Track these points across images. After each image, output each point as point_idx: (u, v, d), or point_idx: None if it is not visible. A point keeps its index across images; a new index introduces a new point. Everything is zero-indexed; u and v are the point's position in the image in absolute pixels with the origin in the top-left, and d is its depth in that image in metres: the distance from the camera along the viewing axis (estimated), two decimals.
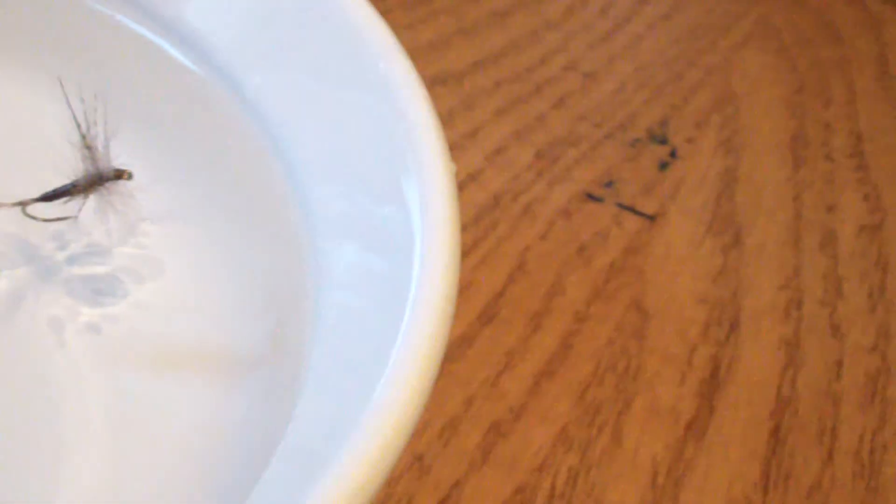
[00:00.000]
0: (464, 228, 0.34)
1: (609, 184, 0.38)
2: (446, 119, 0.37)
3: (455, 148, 0.37)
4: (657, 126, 0.41)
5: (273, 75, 0.27)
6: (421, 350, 0.19)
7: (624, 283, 0.34)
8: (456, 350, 0.31)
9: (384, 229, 0.23)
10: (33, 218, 0.25)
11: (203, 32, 0.28)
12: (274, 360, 0.24)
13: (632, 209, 0.37)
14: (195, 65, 0.28)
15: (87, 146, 0.24)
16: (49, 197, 0.25)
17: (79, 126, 0.24)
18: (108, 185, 0.25)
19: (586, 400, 0.31)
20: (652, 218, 0.37)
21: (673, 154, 0.40)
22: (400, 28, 0.41)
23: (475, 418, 0.30)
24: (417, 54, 0.39)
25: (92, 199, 0.25)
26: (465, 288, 0.33)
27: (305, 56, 0.26)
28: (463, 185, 0.36)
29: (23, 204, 0.25)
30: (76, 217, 0.25)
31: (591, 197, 0.37)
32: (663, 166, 0.39)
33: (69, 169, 0.24)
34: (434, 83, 0.40)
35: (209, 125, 0.28)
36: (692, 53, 0.45)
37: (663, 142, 0.40)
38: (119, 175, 0.25)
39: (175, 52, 0.28)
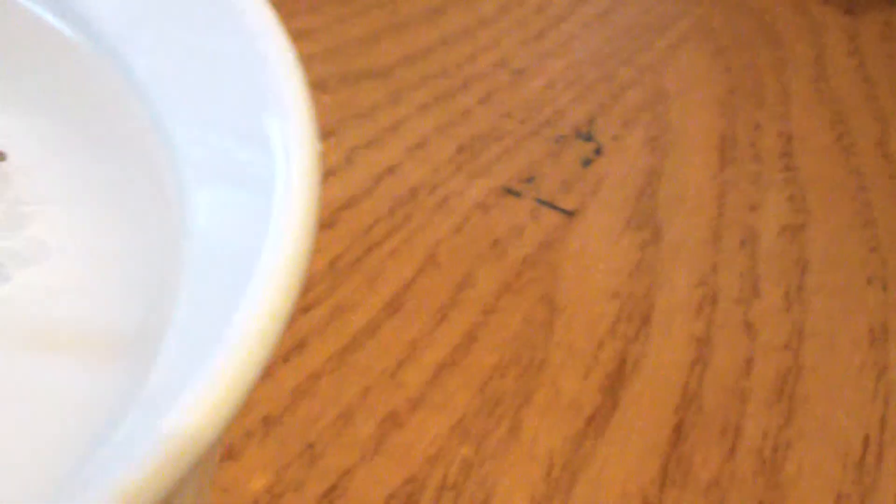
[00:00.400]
0: (377, 221, 0.34)
1: (530, 179, 0.38)
2: (369, 113, 0.37)
3: (376, 141, 0.37)
4: (584, 123, 0.41)
5: (145, 39, 0.27)
6: (270, 286, 0.19)
7: (535, 278, 0.34)
8: (358, 340, 0.31)
9: (248, 173, 0.23)
10: None
11: None
12: (151, 338, 0.24)
13: (550, 204, 0.37)
14: (56, 20, 0.27)
15: None
16: None
17: None
18: None
19: (487, 392, 0.31)
20: (570, 213, 0.37)
21: (598, 151, 0.40)
22: (331, 21, 0.41)
23: (371, 408, 0.30)
24: (347, 48, 0.40)
25: None
26: (373, 278, 0.33)
27: (172, 13, 0.26)
28: (380, 177, 0.36)
29: None
30: None
31: (509, 191, 0.37)
32: (587, 163, 0.39)
33: None
34: (361, 77, 0.40)
35: (77, 88, 0.28)
36: (626, 52, 0.45)
37: (589, 139, 0.40)
38: None
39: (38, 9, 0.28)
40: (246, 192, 0.22)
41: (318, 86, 0.39)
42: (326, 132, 0.37)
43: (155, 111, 0.26)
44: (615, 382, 0.32)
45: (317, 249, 0.32)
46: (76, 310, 0.26)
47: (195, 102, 0.25)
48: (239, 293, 0.20)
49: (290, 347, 0.30)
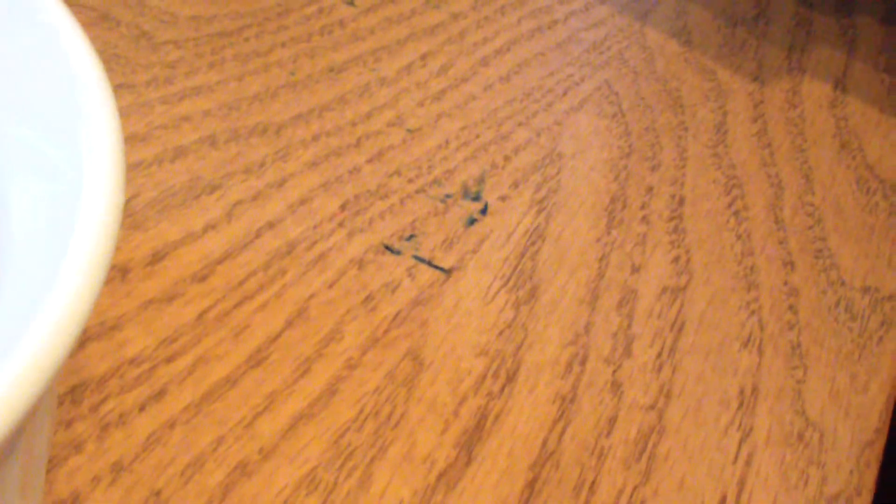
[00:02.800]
0: (251, 274, 0.34)
1: (410, 237, 0.38)
2: (256, 169, 0.38)
3: (259, 197, 0.38)
4: (473, 183, 0.42)
5: None
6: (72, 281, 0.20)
7: (404, 333, 0.35)
8: (217, 391, 0.31)
9: (57, 171, 0.23)
10: None
11: None
12: None
13: (429, 262, 0.38)
14: None
15: None
16: None
17: None
18: None
19: (341, 444, 0.31)
20: (447, 272, 0.38)
21: (483, 211, 0.40)
22: (230, 78, 0.41)
23: (222, 457, 0.30)
24: (241, 105, 0.40)
25: None
26: (239, 331, 0.33)
27: None
28: (260, 232, 0.37)
29: None
30: None
31: (388, 249, 0.38)
32: (471, 222, 0.40)
33: None
34: (251, 134, 0.41)
35: None
36: (524, 114, 0.46)
37: (476, 198, 0.41)
38: None
39: None
40: (53, 191, 0.23)
41: (208, 141, 0.40)
42: (211, 187, 0.38)
43: None
44: (472, 438, 0.32)
45: (186, 301, 0.33)
46: None
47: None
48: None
49: (148, 396, 0.31)
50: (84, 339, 0.32)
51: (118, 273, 0.34)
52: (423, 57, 0.48)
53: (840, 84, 0.57)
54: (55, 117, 0.24)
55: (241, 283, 0.35)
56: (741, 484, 0.34)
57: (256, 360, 0.33)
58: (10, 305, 0.22)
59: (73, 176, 0.22)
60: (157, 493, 0.29)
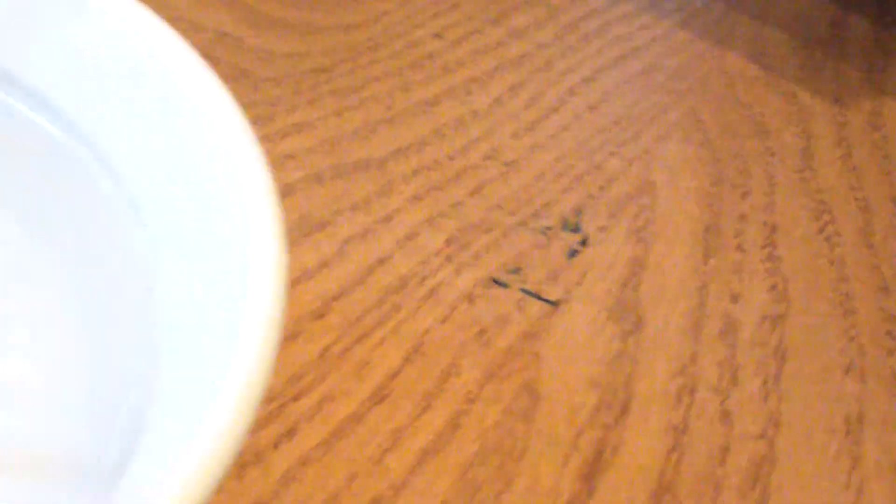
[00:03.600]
0: (367, 311, 0.35)
1: (516, 270, 0.39)
2: (362, 205, 0.39)
3: (368, 233, 0.39)
4: (571, 214, 0.42)
5: (126, 141, 0.28)
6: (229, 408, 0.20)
7: (519, 367, 0.36)
8: (344, 428, 0.32)
9: (219, 284, 0.24)
10: None
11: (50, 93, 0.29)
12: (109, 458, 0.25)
13: (536, 295, 0.38)
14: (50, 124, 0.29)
15: None
16: None
17: None
18: None
19: (468, 478, 0.32)
20: (555, 304, 0.38)
21: (584, 242, 0.41)
22: (329, 114, 0.42)
23: (356, 494, 0.31)
24: (342, 141, 0.41)
25: None
26: (360, 367, 0.34)
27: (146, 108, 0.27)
28: (372, 268, 0.38)
29: None
30: None
31: (496, 282, 0.38)
32: (573, 254, 0.41)
33: None
34: (355, 170, 0.42)
35: (63, 190, 0.29)
36: (614, 144, 0.47)
37: (576, 230, 0.42)
38: None
39: (51, 128, 0.29)
40: (216, 308, 0.23)
41: (314, 178, 0.41)
42: (321, 223, 0.39)
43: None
44: (593, 469, 0.33)
45: (308, 338, 0.34)
46: (31, 433, 0.26)
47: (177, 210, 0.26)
48: (202, 410, 0.21)
49: (280, 433, 0.32)
50: None
51: None
52: (513, 88, 0.49)
53: None
54: (220, 229, 0.24)
55: (358, 320, 0.36)
56: None
57: (379, 396, 0.34)
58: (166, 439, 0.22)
59: (235, 296, 0.22)
60: None
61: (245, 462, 0.31)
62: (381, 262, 0.38)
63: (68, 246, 0.28)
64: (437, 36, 0.52)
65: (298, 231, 0.38)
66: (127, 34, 0.28)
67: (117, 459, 0.25)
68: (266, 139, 0.42)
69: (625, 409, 0.35)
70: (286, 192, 0.40)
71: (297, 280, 0.37)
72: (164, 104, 0.27)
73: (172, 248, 0.25)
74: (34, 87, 0.29)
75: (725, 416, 0.36)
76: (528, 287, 0.39)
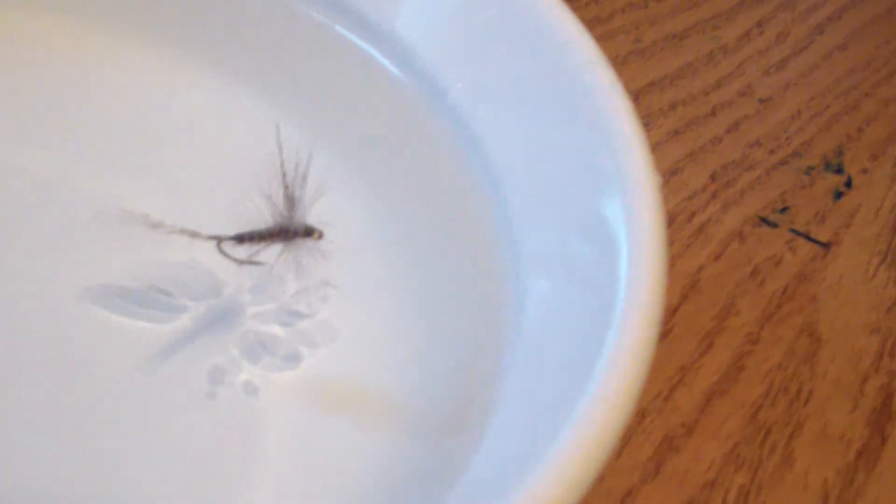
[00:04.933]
0: None
1: (783, 209, 0.38)
2: None
3: None
4: (832, 155, 0.41)
5: (485, 101, 0.27)
6: (611, 400, 0.19)
7: (796, 309, 0.34)
8: None
9: (587, 268, 0.22)
10: (227, 256, 0.26)
11: (419, 50, 0.28)
12: (460, 423, 0.24)
13: (806, 236, 0.37)
14: (407, 78, 0.28)
15: (289, 196, 0.24)
16: (243, 238, 0.25)
17: (284, 174, 0.24)
18: (299, 240, 0.25)
19: (757, 420, 0.31)
20: (826, 246, 0.37)
21: (848, 184, 0.40)
22: None
23: (648, 432, 0.30)
24: None
25: (288, 253, 0.25)
26: None
27: (515, 78, 0.27)
28: None
29: (218, 239, 0.25)
30: (270, 266, 0.25)
31: (764, 221, 0.37)
32: (838, 196, 0.39)
33: (267, 213, 0.25)
34: None
35: (422, 154, 0.28)
36: (868, 84, 0.45)
37: (839, 171, 0.40)
38: (309, 233, 0.25)
39: (396, 71, 0.28)
40: (585, 290, 0.22)
41: None
42: None
43: (501, 202, 0.26)
44: (882, 418, 0.32)
45: None
46: (377, 384, 0.26)
47: (542, 192, 0.25)
48: (575, 397, 0.19)
49: None
50: None
51: None
52: (759, 24, 0.47)
53: None
54: (587, 209, 0.23)
55: None
56: None
57: (662, 333, 0.33)
58: (531, 411, 0.21)
59: (609, 285, 0.21)
60: None
61: None
62: None
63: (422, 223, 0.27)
64: None
65: None
66: None
67: (464, 415, 0.24)
68: None
69: None
70: None
71: None
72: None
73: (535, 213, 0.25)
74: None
75: None
76: (797, 227, 0.37)
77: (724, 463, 0.30)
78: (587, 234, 0.23)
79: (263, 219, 0.24)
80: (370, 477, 0.23)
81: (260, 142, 0.24)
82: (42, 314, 0.25)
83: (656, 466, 0.29)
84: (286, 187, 0.24)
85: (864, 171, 0.41)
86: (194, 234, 0.25)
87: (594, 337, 0.20)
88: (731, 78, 0.44)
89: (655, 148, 0.39)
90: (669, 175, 0.38)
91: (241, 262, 0.25)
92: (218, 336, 0.25)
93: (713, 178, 0.38)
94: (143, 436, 0.24)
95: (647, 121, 0.40)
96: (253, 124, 0.28)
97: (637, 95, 0.41)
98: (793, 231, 0.37)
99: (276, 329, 0.26)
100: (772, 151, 0.40)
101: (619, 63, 0.43)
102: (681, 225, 0.36)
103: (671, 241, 0.36)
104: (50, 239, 0.27)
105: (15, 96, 0.29)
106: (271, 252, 0.25)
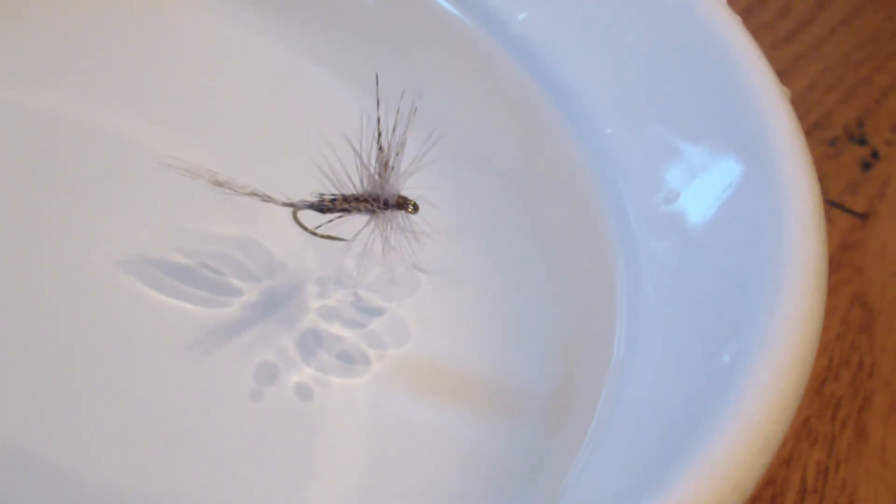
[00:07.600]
0: None
1: None
2: None
3: None
4: (854, 127, 0.39)
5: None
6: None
7: (844, 279, 0.33)
8: None
9: (712, 268, 0.20)
10: (302, 227, 0.23)
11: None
12: (558, 407, 0.22)
13: (841, 206, 0.35)
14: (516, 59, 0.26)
15: (382, 163, 0.21)
16: (323, 205, 0.22)
17: (380, 134, 0.21)
18: (388, 213, 0.22)
19: (825, 394, 0.29)
20: (863, 216, 0.35)
21: (874, 155, 0.38)
22: None
23: None
24: None
25: (374, 227, 0.22)
26: None
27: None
28: None
29: (294, 206, 0.22)
30: (349, 241, 0.22)
31: None
32: (866, 167, 0.37)
33: (354, 180, 0.22)
34: None
35: (521, 134, 0.26)
36: (878, 58, 0.44)
37: (863, 142, 0.38)
38: (402, 204, 0.22)
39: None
40: (712, 301, 0.20)
41: None
42: None
43: (613, 193, 0.24)
44: None
45: None
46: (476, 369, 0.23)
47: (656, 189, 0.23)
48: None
49: None
50: None
51: None
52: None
53: None
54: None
55: None
56: None
57: None
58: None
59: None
60: None
61: None
62: None
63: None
64: None
65: None
66: None
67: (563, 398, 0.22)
68: None
69: None
70: None
71: None
72: None
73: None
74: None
75: None
76: (831, 197, 0.35)
77: (797, 439, 0.28)
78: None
79: (346, 187, 0.21)
80: None
81: (342, 104, 0.21)
82: (77, 284, 0.22)
83: None
84: (381, 149, 0.21)
85: (888, 142, 0.39)
86: (267, 199, 0.22)
87: (731, 330, 0.18)
88: None
89: None
90: None
91: (318, 235, 0.22)
92: (272, 328, 0.22)
93: None
94: (162, 433, 0.21)
95: None
96: (342, 80, 0.25)
97: None
98: (828, 201, 0.35)
99: (343, 328, 0.23)
100: None
101: None
102: None
103: None
104: (100, 190, 0.23)
105: (98, 52, 0.26)
106: (351, 227, 0.21)
